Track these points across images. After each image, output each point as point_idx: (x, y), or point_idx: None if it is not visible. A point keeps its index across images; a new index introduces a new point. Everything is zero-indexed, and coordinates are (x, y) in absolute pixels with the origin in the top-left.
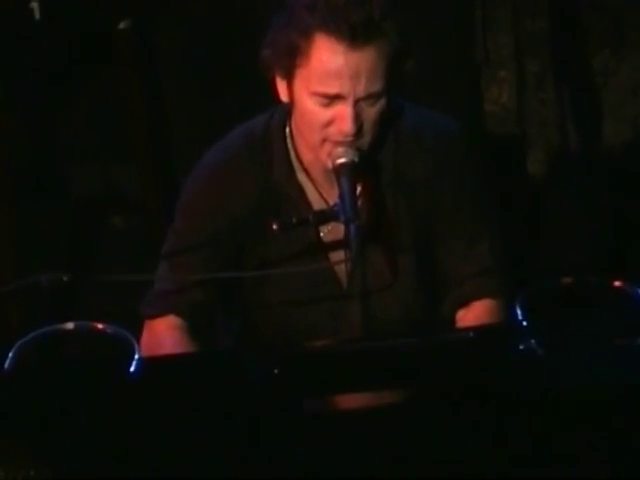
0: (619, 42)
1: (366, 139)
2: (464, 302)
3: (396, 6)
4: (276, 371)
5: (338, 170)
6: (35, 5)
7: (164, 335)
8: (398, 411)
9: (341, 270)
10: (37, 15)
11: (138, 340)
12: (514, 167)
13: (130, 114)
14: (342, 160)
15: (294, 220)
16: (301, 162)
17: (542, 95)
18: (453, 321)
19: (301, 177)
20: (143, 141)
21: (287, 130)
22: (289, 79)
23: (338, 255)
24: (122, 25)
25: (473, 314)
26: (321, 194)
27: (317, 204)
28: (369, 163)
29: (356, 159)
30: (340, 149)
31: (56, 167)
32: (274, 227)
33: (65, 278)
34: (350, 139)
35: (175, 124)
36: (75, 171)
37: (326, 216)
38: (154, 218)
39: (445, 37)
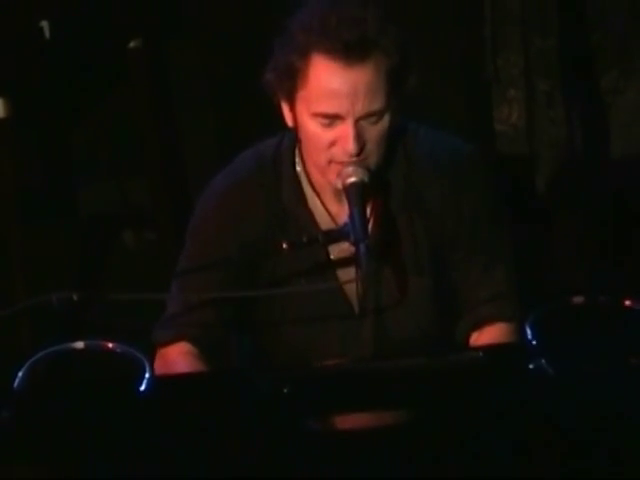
0: (627, 62)
1: (372, 159)
2: (478, 325)
3: (395, 22)
4: (285, 390)
5: (348, 190)
6: (45, 24)
7: (176, 361)
8: (407, 431)
9: (351, 290)
10: (47, 34)
11: (148, 359)
12: (523, 186)
13: (142, 131)
14: (352, 180)
15: (304, 239)
16: (311, 184)
17: (551, 114)
18: (466, 344)
19: (311, 200)
20: (155, 158)
21: (297, 153)
22: (291, 102)
23: (348, 275)
24: (133, 44)
25: (486, 337)
26: (331, 217)
27: (326, 225)
28: (379, 183)
29: (366, 179)
30: (350, 168)
31: (67, 184)
32: (284, 246)
33: (75, 297)
34: (354, 159)
35: (188, 140)
36: (86, 188)
37: (336, 236)
38: (166, 235)
39: (454, 56)
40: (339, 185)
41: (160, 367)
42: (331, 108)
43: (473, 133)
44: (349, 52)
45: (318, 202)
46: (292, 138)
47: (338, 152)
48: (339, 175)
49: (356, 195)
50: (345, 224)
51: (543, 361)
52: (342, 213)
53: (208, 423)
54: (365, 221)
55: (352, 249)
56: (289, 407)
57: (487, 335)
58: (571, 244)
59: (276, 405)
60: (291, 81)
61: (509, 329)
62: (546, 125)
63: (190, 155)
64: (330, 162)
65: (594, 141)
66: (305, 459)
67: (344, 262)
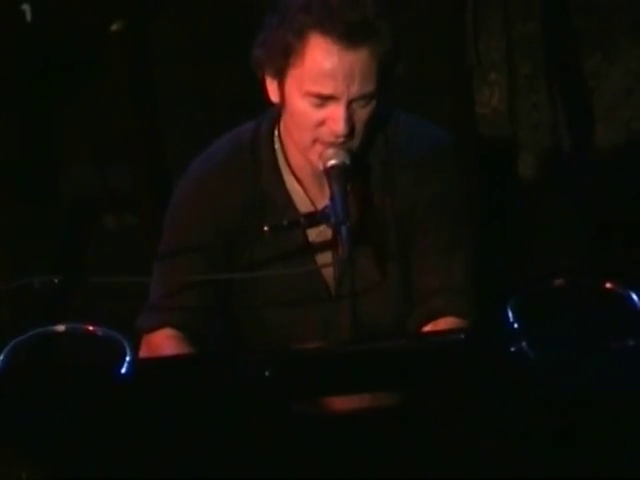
0: (611, 45)
1: (356, 142)
2: (430, 317)
3: (389, 6)
4: (267, 373)
5: (329, 172)
6: (27, 7)
7: (162, 346)
8: (389, 413)
9: (329, 274)
10: (28, 17)
11: (130, 342)
12: (505, 170)
13: (123, 114)
14: (333, 162)
15: (285, 222)
16: (290, 167)
17: (534, 98)
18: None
19: (289, 182)
20: (136, 141)
21: (276, 135)
22: (281, 79)
23: (326, 259)
24: (115, 27)
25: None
26: (310, 199)
27: (305, 209)
28: (359, 166)
29: (347, 161)
30: (331, 151)
31: (48, 168)
32: (265, 229)
33: (56, 280)
34: (341, 140)
35: (169, 124)
36: (67, 171)
37: (317, 218)
38: (147, 218)
39: (436, 39)
40: (320, 167)
41: (146, 354)
42: (326, 89)
43: (455, 116)
44: (350, 34)
45: (297, 185)
46: (270, 121)
47: (325, 132)
48: (320, 157)
49: (337, 178)
50: (326, 207)
51: (524, 344)
52: (320, 196)
53: (189, 406)
54: (346, 204)
55: (329, 232)
56: (271, 390)
57: (437, 329)
58: (553, 227)
59: (258, 388)
60: (284, 59)
61: (459, 324)
62: (528, 109)
63: (171, 139)
64: (315, 142)
65: (577, 125)
66: (288, 442)
67: (322, 245)
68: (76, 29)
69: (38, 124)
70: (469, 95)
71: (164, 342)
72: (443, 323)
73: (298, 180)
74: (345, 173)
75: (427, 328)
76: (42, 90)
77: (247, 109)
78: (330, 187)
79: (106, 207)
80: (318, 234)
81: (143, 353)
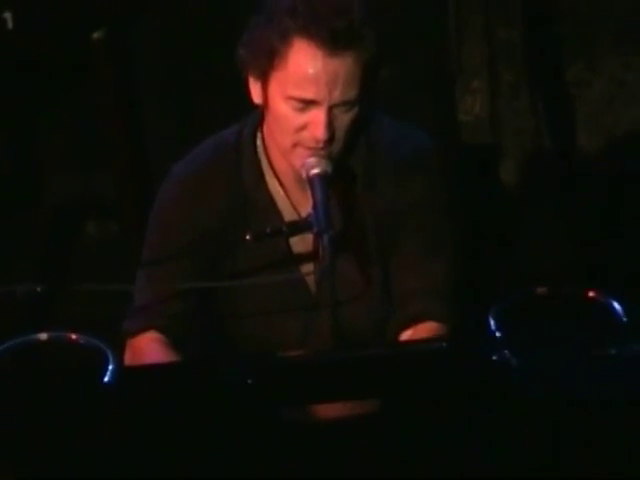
0: (593, 53)
1: (337, 146)
2: (410, 322)
3: (375, 12)
4: (250, 381)
5: (311, 181)
6: (8, 15)
7: (146, 349)
8: (370, 421)
9: (311, 280)
10: (10, 25)
11: (112, 350)
12: (488, 177)
13: (106, 122)
14: (315, 171)
15: (267, 230)
16: (273, 169)
17: (516, 105)
18: (397, 340)
19: (272, 185)
20: (119, 148)
21: (258, 137)
22: (264, 80)
23: (308, 266)
24: (97, 34)
25: (417, 337)
26: (292, 202)
27: (287, 212)
28: (341, 169)
29: (329, 170)
30: (313, 159)
31: (31, 175)
32: (247, 237)
33: (39, 288)
34: (322, 145)
35: (152, 131)
36: (50, 179)
37: (299, 226)
38: (129, 225)
39: (418, 46)
40: (303, 174)
41: (130, 357)
42: (308, 93)
43: (437, 123)
44: (334, 40)
45: (279, 188)
46: (254, 122)
47: (306, 137)
48: (303, 165)
49: (320, 186)
50: (309, 215)
51: (506, 352)
52: (303, 200)
53: (172, 413)
54: (328, 212)
55: (312, 239)
56: (254, 397)
57: (416, 335)
58: (536, 235)
59: (241, 395)
60: (267, 61)
61: (439, 330)
62: (510, 116)
63: (154, 146)
64: (296, 146)
65: (560, 132)
66: (271, 449)
67: (305, 252)
68: (58, 37)
69: (21, 132)
70: (451, 102)
71: (148, 346)
72: (423, 328)
73: (281, 183)
74: (327, 181)
75: (407, 333)
76: (24, 98)
77: (230, 117)
78: (312, 196)
79: (89, 214)
80: (301, 241)
81: (127, 357)
